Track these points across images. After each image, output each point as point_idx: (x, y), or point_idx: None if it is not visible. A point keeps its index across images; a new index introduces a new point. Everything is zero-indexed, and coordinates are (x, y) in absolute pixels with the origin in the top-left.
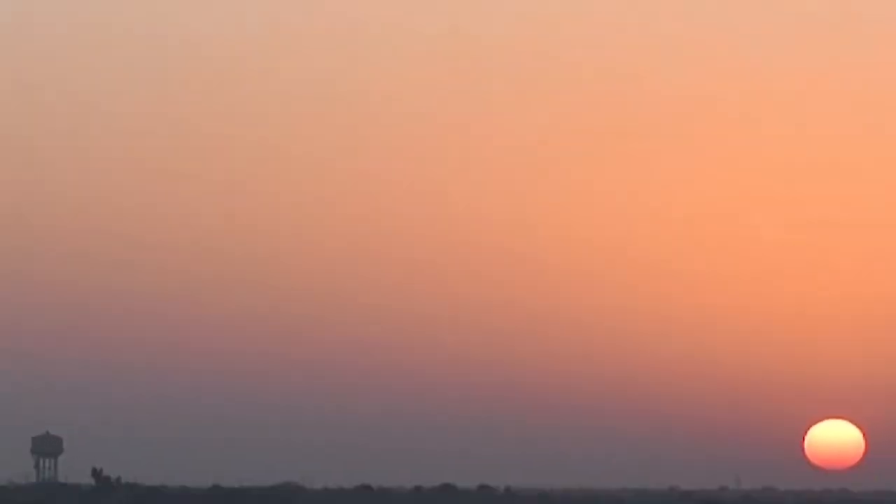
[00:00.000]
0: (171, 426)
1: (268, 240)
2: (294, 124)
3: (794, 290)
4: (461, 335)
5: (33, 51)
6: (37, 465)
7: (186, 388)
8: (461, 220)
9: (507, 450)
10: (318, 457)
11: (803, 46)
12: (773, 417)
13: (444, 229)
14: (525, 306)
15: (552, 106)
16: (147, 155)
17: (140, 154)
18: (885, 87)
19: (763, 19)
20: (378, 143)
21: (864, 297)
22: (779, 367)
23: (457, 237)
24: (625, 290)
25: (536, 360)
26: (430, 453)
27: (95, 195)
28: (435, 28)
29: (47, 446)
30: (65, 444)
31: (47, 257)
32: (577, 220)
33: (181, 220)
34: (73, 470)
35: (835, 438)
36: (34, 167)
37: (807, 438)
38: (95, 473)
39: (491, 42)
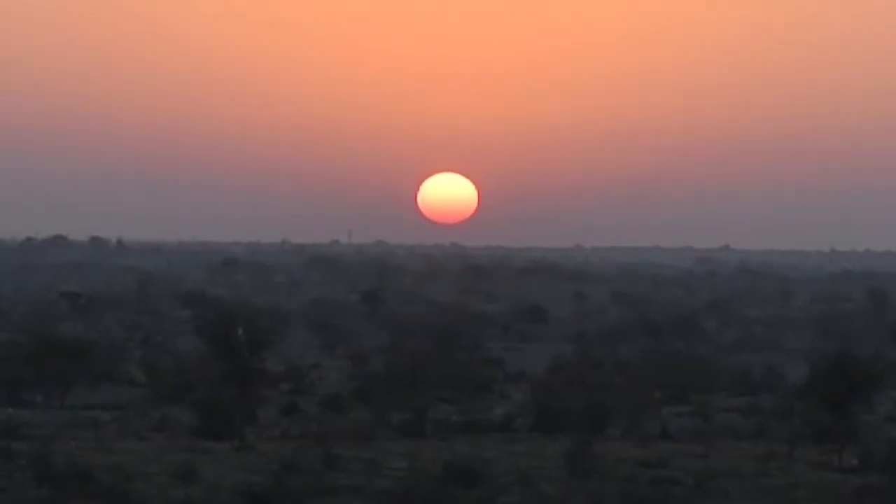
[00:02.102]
0: None
1: None
2: None
3: (404, 44)
4: None
5: None
6: None
7: None
8: None
9: (119, 203)
10: None
11: None
12: (385, 171)
13: None
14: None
15: None
16: None
17: None
18: None
19: None
20: None
21: (480, 53)
22: (390, 118)
23: None
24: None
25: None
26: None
27: None
28: None
29: None
30: None
31: None
32: None
33: None
34: None
35: (448, 192)
36: None
37: (420, 192)
38: None
39: None
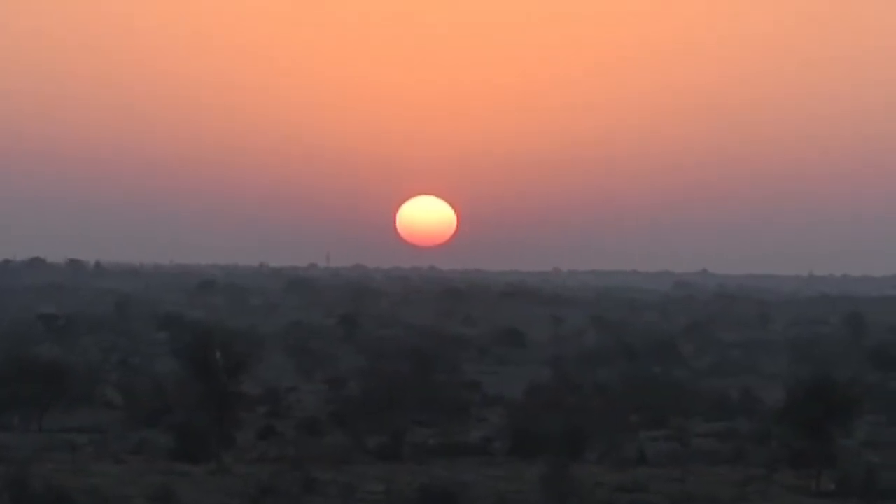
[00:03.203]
0: None
1: None
2: None
3: (383, 68)
4: None
5: None
6: None
7: None
8: None
9: (97, 226)
10: None
11: None
12: (363, 194)
13: None
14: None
15: None
16: None
17: None
18: None
19: None
20: None
21: (459, 78)
22: (369, 141)
23: None
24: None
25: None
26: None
27: None
28: None
29: None
30: None
31: None
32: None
33: None
34: None
35: (426, 215)
36: None
37: (398, 215)
38: None
39: None
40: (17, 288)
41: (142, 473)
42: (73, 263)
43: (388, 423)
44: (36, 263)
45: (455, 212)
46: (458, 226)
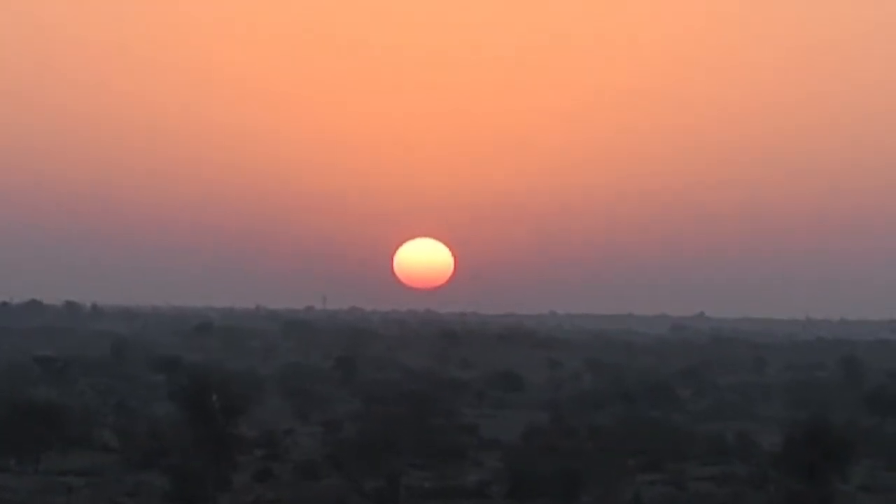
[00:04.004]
0: None
1: None
2: None
3: (380, 110)
4: None
5: None
6: None
7: None
8: None
9: (94, 268)
10: None
11: None
12: (361, 236)
13: None
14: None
15: None
16: None
17: None
18: None
19: None
20: None
21: (456, 120)
22: (367, 183)
23: None
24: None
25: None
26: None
27: None
28: None
29: None
30: None
31: None
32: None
33: None
34: None
35: (424, 258)
36: None
37: (396, 258)
38: None
39: None
40: (14, 330)
41: None
42: (70, 306)
43: (385, 466)
44: (33, 306)
45: (452, 254)
46: (455, 268)
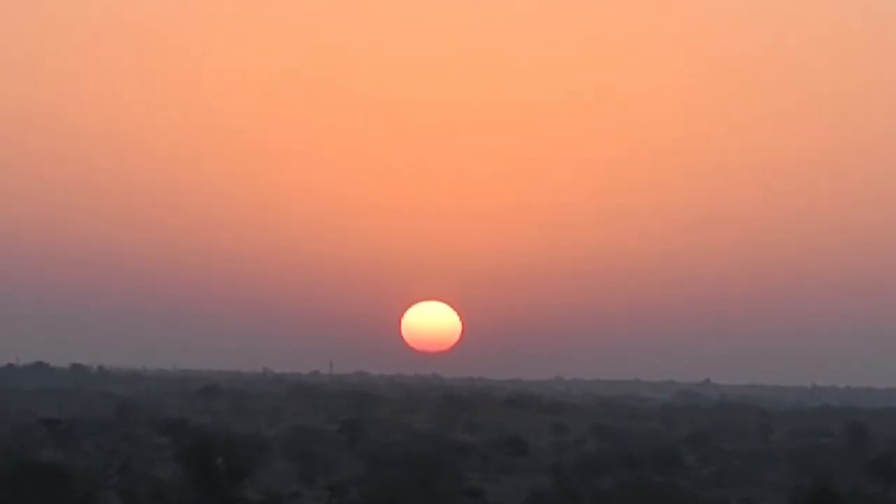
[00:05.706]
0: None
1: None
2: None
3: (388, 174)
4: None
5: None
6: None
7: None
8: None
9: (101, 331)
10: None
11: None
12: (368, 299)
13: None
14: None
15: None
16: None
17: None
18: None
19: None
20: None
21: (464, 186)
22: (374, 247)
23: None
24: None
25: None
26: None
27: None
28: None
29: None
30: None
31: None
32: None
33: None
34: None
35: (432, 321)
36: None
37: (403, 321)
38: None
39: None
40: (20, 392)
41: None
42: (77, 368)
43: None
44: (39, 368)
45: (460, 318)
46: (462, 331)
